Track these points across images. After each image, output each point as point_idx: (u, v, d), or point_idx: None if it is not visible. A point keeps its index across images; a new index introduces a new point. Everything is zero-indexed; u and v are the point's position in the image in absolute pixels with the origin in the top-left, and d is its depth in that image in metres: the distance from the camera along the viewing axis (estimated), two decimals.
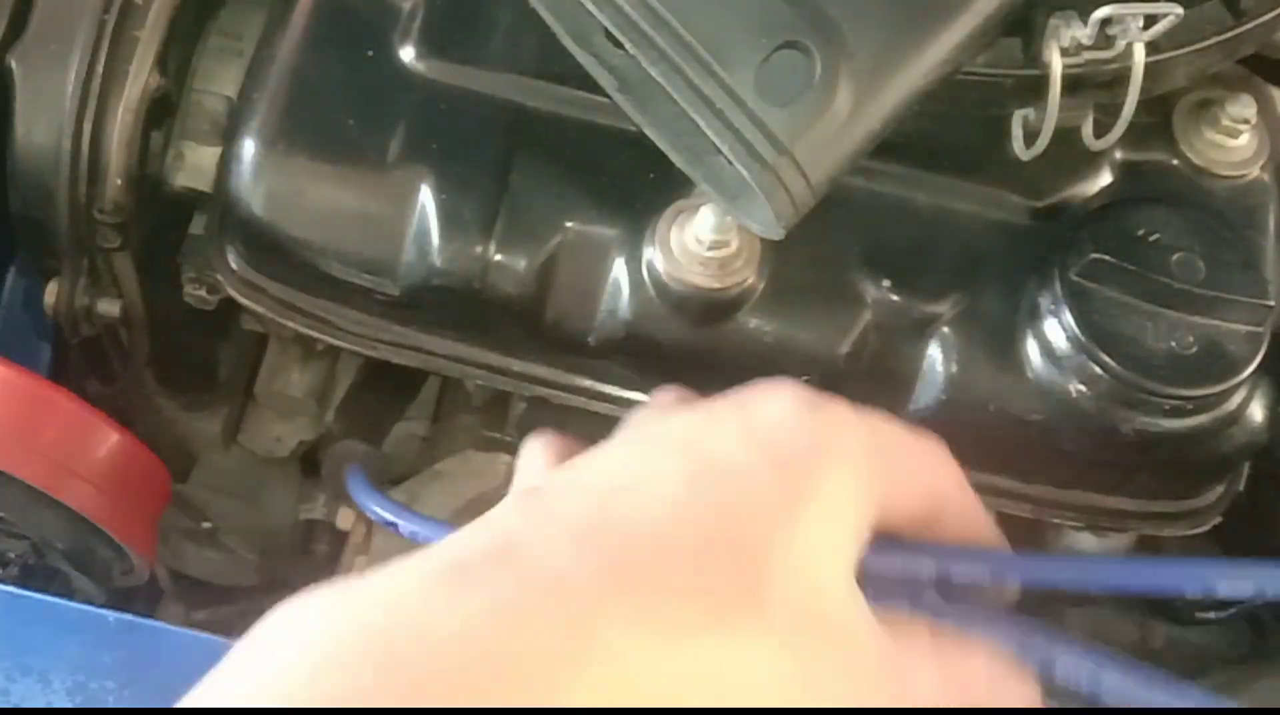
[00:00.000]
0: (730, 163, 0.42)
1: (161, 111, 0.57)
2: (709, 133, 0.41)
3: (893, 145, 0.45)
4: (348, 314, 0.55)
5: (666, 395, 0.44)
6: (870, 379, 0.52)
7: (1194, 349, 0.49)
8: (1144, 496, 0.54)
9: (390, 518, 0.52)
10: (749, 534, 0.36)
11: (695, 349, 0.53)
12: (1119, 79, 0.48)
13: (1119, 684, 0.37)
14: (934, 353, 0.52)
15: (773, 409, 0.38)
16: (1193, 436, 0.51)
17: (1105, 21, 0.46)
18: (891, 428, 0.40)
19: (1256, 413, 0.52)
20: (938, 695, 0.38)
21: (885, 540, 0.38)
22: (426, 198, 0.52)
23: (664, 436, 0.38)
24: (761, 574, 0.35)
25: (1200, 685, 0.38)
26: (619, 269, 0.52)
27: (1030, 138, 0.50)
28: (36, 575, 0.59)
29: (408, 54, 0.54)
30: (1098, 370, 0.49)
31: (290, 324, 0.56)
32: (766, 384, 0.39)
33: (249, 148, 0.53)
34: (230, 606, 0.71)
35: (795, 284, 0.52)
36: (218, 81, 0.58)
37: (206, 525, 0.70)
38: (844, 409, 0.39)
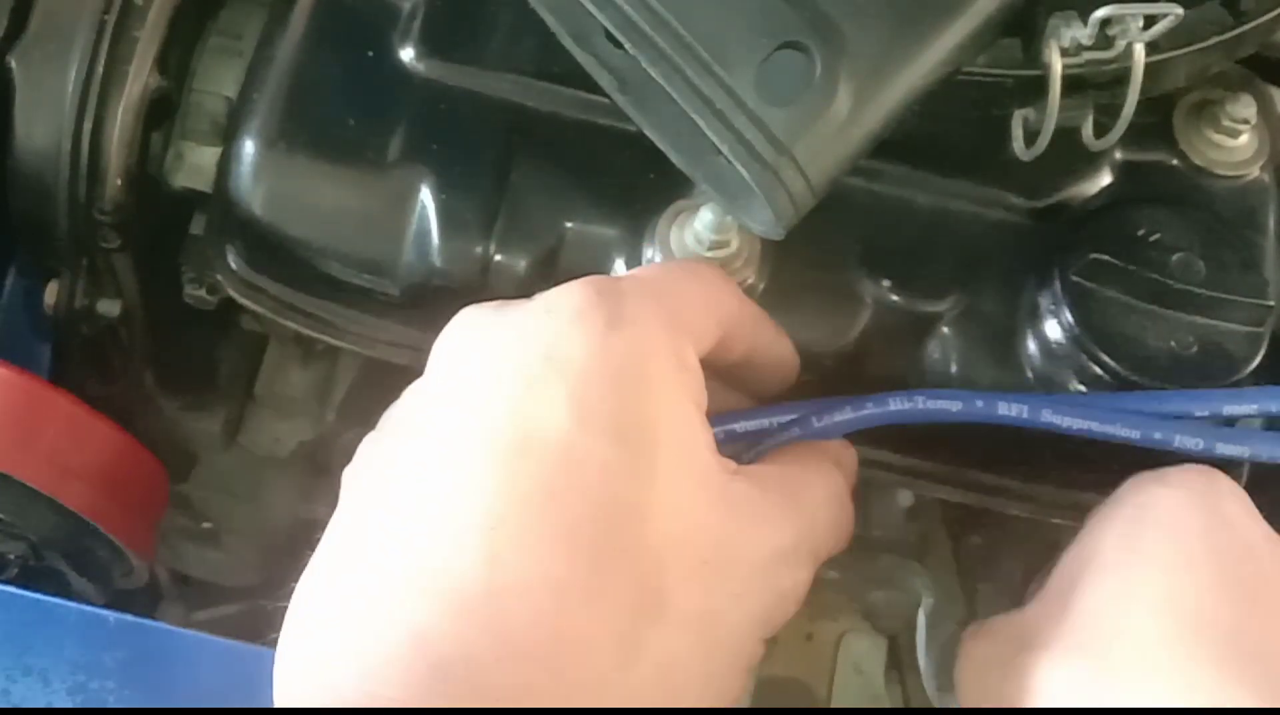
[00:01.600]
0: (730, 163, 0.42)
1: (161, 111, 0.57)
2: (709, 133, 0.41)
3: (893, 145, 0.45)
4: (348, 314, 0.55)
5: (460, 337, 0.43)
6: (870, 379, 0.52)
7: (1194, 349, 0.49)
8: None
9: None
10: (611, 524, 0.37)
11: None
12: (1119, 79, 0.48)
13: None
14: (934, 353, 0.52)
15: (577, 352, 0.38)
16: None
17: (1105, 21, 0.46)
18: (659, 291, 0.41)
19: None
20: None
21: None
22: (426, 198, 0.52)
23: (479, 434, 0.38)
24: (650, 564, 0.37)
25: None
26: (619, 269, 0.52)
27: (1030, 138, 0.50)
28: (35, 576, 0.59)
29: (408, 54, 0.54)
30: (1097, 370, 0.49)
31: (290, 324, 0.55)
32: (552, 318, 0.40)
33: (249, 148, 0.53)
34: (230, 606, 0.71)
35: (795, 284, 0.52)
36: (218, 81, 0.58)
37: (206, 525, 0.70)
38: (629, 309, 0.40)
